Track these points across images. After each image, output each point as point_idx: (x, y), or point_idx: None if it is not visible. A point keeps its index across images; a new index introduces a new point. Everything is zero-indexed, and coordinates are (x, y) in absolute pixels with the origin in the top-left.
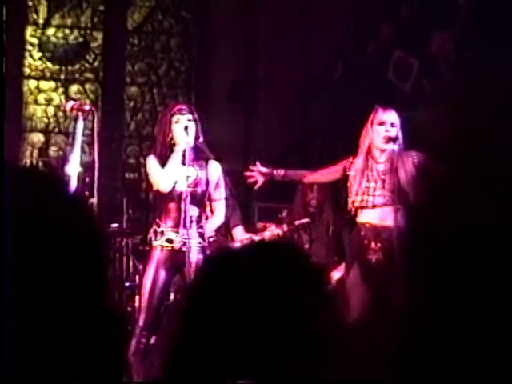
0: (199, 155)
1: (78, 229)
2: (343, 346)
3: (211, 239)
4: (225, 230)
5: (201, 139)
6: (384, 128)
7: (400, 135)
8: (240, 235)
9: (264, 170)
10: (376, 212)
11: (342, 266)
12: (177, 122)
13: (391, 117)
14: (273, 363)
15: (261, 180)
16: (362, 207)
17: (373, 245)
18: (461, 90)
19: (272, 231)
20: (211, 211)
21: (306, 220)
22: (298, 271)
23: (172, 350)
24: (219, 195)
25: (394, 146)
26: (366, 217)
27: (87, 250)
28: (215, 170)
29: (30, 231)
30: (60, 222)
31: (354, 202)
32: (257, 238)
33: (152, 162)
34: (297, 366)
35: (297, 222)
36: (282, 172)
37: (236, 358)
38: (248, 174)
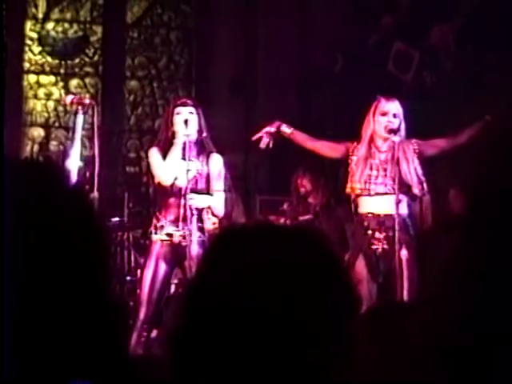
0: (202, 150)
1: (78, 223)
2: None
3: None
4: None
5: (204, 134)
6: (386, 119)
7: (402, 126)
8: None
9: (270, 129)
10: (378, 200)
11: (345, 258)
12: (178, 114)
13: (394, 107)
14: (286, 356)
15: (271, 140)
16: (363, 195)
17: (377, 234)
18: None
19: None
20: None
21: (309, 216)
22: (310, 251)
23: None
24: (219, 187)
25: (396, 138)
26: (368, 206)
27: (88, 244)
28: (216, 162)
29: (30, 225)
30: (61, 215)
31: (353, 188)
32: None
33: (154, 155)
34: (313, 356)
35: (300, 218)
36: (289, 130)
37: (243, 343)
38: (256, 137)
